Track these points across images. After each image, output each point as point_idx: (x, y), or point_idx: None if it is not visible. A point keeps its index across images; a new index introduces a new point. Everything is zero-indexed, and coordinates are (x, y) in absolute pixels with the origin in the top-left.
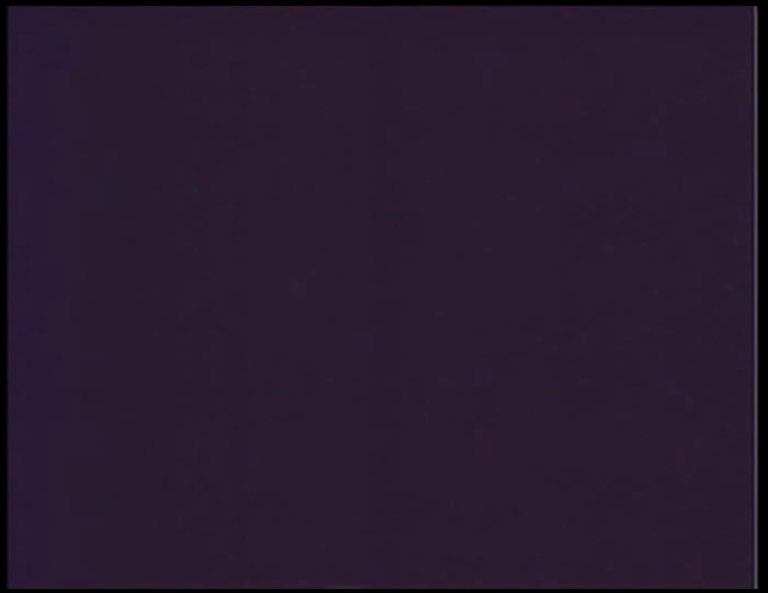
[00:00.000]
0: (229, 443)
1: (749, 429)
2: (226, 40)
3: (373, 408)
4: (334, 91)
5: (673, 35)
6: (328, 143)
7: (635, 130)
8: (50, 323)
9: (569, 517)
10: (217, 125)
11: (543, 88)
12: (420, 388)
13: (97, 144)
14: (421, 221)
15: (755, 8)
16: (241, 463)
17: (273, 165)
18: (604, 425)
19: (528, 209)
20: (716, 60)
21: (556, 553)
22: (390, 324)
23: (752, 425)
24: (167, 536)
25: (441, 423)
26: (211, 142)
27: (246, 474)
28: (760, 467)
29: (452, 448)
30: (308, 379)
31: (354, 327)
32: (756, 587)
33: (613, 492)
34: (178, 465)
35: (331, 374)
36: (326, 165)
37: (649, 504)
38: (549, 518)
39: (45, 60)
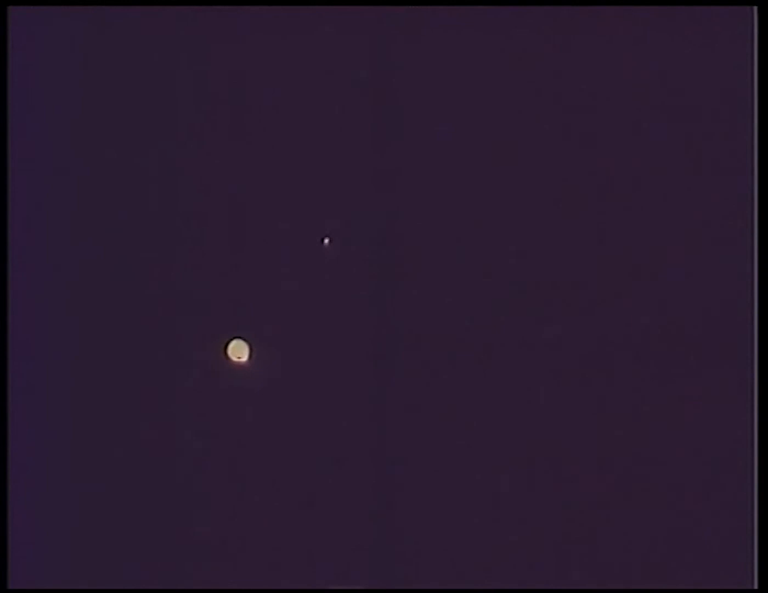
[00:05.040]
0: (229, 444)
1: (749, 428)
2: (227, 40)
3: (372, 408)
4: (334, 91)
5: (672, 35)
6: (327, 143)
7: (635, 130)
8: (50, 323)
9: (569, 517)
10: (216, 125)
11: (542, 88)
12: (420, 386)
13: (96, 144)
14: (420, 218)
15: (755, 8)
16: (241, 464)
17: (272, 165)
18: (604, 425)
19: (527, 208)
20: (716, 60)
21: (556, 553)
22: (390, 323)
23: (752, 425)
24: (167, 536)
25: (441, 423)
26: (210, 142)
27: (246, 474)
28: (760, 467)
29: (452, 448)
30: (308, 379)
31: (354, 325)
32: (756, 587)
33: (613, 491)
34: (178, 465)
35: (331, 373)
36: (325, 165)
37: (648, 504)
38: (549, 517)
39: (45, 60)
